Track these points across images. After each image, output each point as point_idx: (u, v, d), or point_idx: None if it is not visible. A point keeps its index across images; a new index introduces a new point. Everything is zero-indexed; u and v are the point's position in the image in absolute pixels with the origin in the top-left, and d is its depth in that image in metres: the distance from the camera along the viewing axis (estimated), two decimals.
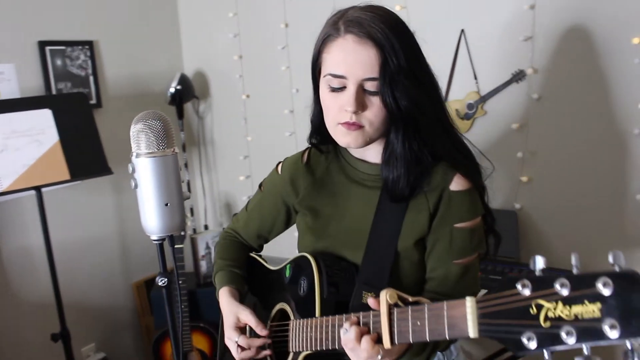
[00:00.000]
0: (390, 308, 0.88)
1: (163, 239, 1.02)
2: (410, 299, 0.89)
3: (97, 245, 2.63)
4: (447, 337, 0.77)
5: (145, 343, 2.85)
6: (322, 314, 1.09)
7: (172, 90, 2.67)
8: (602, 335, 0.60)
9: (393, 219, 1.14)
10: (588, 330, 0.61)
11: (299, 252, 1.29)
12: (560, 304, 0.63)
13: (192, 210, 2.88)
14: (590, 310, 0.61)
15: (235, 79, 2.73)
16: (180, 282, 2.38)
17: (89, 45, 2.53)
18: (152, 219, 0.98)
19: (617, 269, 0.60)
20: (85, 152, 2.17)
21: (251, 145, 2.78)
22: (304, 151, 1.33)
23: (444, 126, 1.10)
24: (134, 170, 0.96)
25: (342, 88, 1.06)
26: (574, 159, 1.91)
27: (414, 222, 1.13)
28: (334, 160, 1.26)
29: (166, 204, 0.96)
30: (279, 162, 1.36)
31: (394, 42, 1.01)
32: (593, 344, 0.61)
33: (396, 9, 2.11)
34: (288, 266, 1.25)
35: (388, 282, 1.11)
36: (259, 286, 1.39)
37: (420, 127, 1.06)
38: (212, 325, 2.46)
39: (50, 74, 2.40)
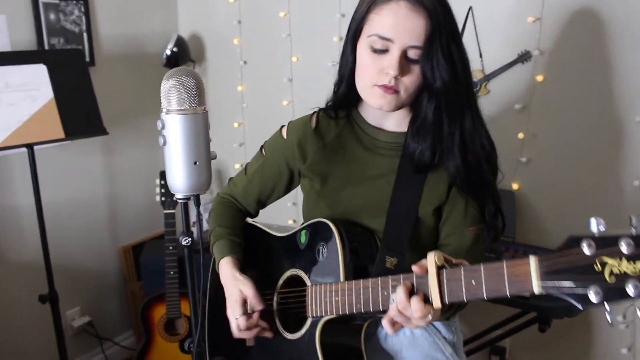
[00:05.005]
0: (437, 269, 0.92)
1: (188, 198, 1.02)
2: (454, 261, 0.93)
3: (86, 207, 2.60)
4: (508, 294, 0.82)
5: (130, 309, 2.85)
6: (346, 277, 1.12)
7: (168, 52, 2.63)
8: None
9: (413, 186, 1.18)
10: None
11: (305, 217, 1.32)
12: (624, 261, 0.70)
13: None
14: None
15: (233, 45, 2.70)
16: (170, 247, 2.38)
17: (83, 0, 2.46)
18: (179, 177, 0.99)
19: None
20: (80, 110, 2.13)
21: (246, 112, 2.77)
22: (312, 115, 1.33)
23: (473, 108, 1.13)
24: (163, 127, 0.96)
25: (384, 51, 1.08)
26: (574, 142, 1.95)
27: (433, 190, 1.18)
28: (347, 127, 1.28)
29: (195, 163, 0.97)
30: (283, 126, 1.36)
31: (441, 17, 1.05)
32: None
33: None
34: (303, 232, 1.26)
35: (409, 247, 1.16)
36: (261, 254, 1.40)
37: (451, 102, 1.10)
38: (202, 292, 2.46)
39: (44, 29, 2.34)
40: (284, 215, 2.64)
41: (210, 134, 1.00)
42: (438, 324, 1.31)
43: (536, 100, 1.99)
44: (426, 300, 0.94)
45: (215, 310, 1.50)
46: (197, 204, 1.02)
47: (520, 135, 2.03)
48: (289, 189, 1.40)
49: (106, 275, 2.76)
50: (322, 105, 1.32)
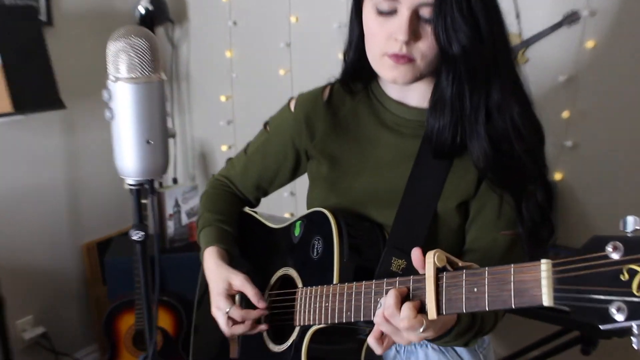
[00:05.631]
0: (437, 272, 0.90)
1: (141, 184, 1.04)
2: (461, 263, 0.91)
3: (41, 196, 2.64)
4: (513, 306, 0.79)
5: (94, 317, 2.89)
6: (341, 280, 1.12)
7: (141, 10, 2.65)
8: None
9: (434, 175, 1.17)
10: None
11: (310, 207, 1.32)
12: None
13: None
14: None
15: (221, 2, 2.72)
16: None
17: None
18: (129, 159, 1.01)
19: None
20: (33, 80, 2.15)
21: (236, 83, 2.79)
22: (325, 87, 1.34)
23: (504, 76, 1.10)
24: (110, 98, 0.98)
25: (391, 12, 1.07)
26: (631, 122, 1.94)
27: (459, 183, 1.16)
28: (364, 101, 1.28)
29: (148, 142, 0.99)
30: (292, 98, 1.37)
31: None
32: None
33: None
34: (298, 223, 1.27)
35: (422, 249, 1.14)
36: (255, 248, 1.42)
37: (475, 71, 1.07)
38: (178, 299, 2.50)
39: None
40: (279, 207, 2.66)
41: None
42: (460, 350, 1.28)
43: (585, 71, 1.97)
44: (422, 309, 0.93)
45: (197, 317, 1.54)
46: (152, 191, 1.04)
47: (565, 114, 2.02)
48: (294, 174, 1.41)
49: (65, 278, 2.80)
50: (330, 75, 1.33)
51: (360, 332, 1.19)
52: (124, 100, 0.98)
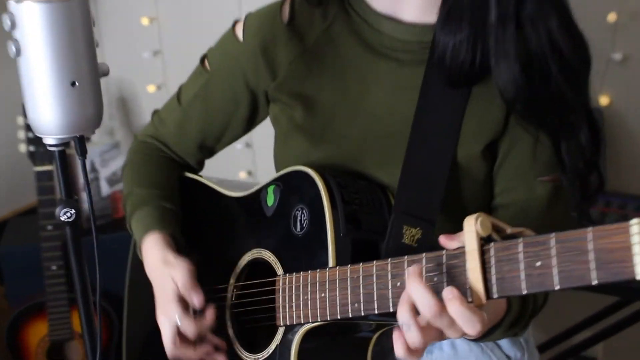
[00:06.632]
0: (482, 243, 0.88)
1: (66, 143, 1.00)
2: (509, 229, 0.89)
3: None
4: (594, 282, 0.78)
5: None
6: (338, 260, 1.10)
7: None
8: None
9: (448, 112, 1.16)
10: None
11: (282, 167, 1.29)
12: None
13: None
14: None
15: None
16: (49, 227, 2.39)
17: None
18: (47, 110, 0.96)
19: None
20: None
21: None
22: (283, 2, 1.31)
23: None
24: (13, 25, 0.93)
25: None
26: None
27: (483, 117, 1.16)
28: (340, 19, 1.27)
29: (72, 83, 0.94)
30: (236, 21, 1.34)
31: None
32: None
33: None
34: (271, 188, 1.26)
35: (441, 211, 1.14)
36: (207, 227, 1.41)
37: None
38: (105, 296, 2.47)
39: None
40: (231, 166, 2.61)
41: (105, 37, 0.98)
42: None
43: None
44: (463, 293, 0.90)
45: (138, 321, 1.52)
46: (82, 152, 1.00)
47: (611, 17, 2.03)
48: (250, 124, 1.40)
49: None
50: None
51: (365, 328, 1.20)
52: (34, 26, 0.92)
